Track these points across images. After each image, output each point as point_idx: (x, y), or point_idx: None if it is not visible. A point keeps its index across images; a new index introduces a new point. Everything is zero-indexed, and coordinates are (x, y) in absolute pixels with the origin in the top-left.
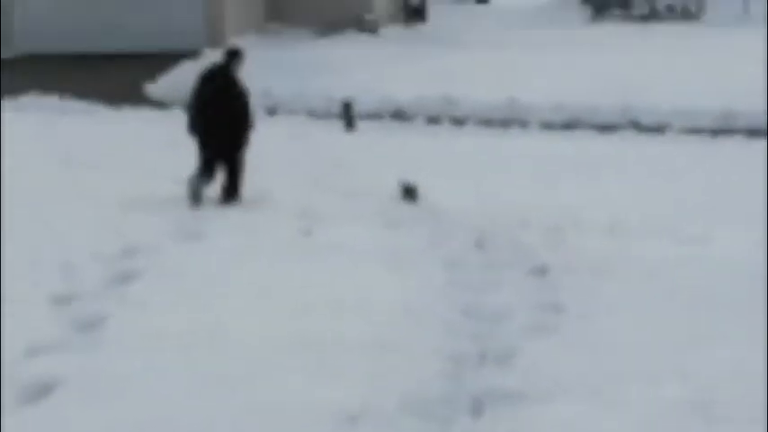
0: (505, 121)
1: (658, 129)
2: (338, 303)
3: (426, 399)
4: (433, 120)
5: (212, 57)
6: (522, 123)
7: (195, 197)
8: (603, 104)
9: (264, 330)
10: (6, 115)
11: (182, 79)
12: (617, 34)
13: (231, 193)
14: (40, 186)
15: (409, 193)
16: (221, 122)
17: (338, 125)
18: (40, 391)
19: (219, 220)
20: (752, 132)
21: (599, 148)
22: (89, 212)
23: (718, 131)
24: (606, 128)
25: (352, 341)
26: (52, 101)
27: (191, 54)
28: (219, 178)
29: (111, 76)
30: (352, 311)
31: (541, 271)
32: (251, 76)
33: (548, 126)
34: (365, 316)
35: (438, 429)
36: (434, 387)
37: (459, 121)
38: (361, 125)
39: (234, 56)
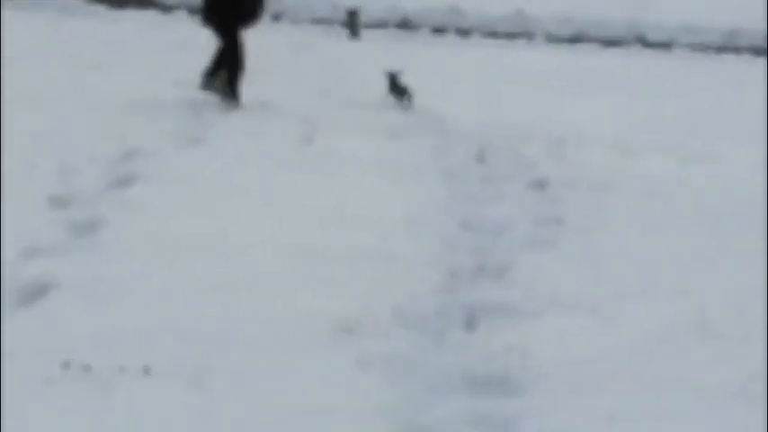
0: (511, 33)
1: (665, 45)
2: (338, 213)
3: (422, 311)
4: (439, 30)
5: None
6: (529, 36)
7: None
8: (610, 19)
9: (263, 238)
10: (6, 13)
11: None
12: None
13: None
14: (40, 87)
15: (396, 85)
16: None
17: (343, 34)
18: (37, 292)
19: (221, 126)
20: (757, 51)
21: (605, 63)
22: (89, 114)
23: (723, 48)
24: (612, 43)
25: (351, 252)
26: (54, 0)
27: None
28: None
29: None
30: (351, 222)
31: (542, 185)
32: None
33: (554, 39)
34: (364, 227)
35: (432, 342)
36: (430, 300)
37: (464, 33)
38: (366, 34)
39: None
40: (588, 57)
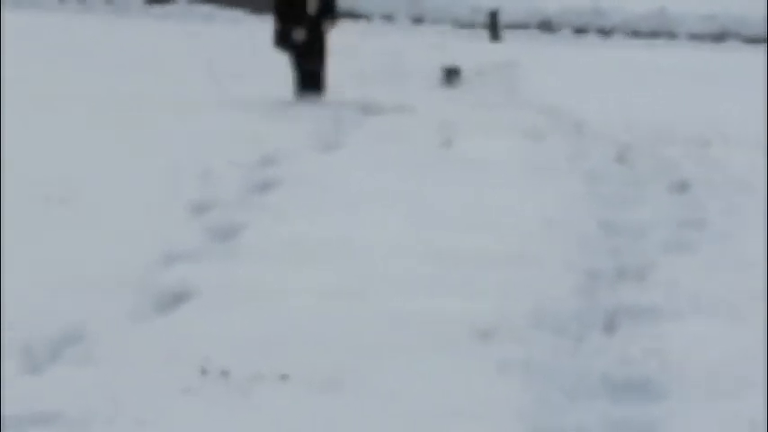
0: (654, 32)
1: None
2: (475, 216)
3: (560, 314)
4: (580, 31)
5: None
6: (671, 35)
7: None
8: (754, 16)
9: (401, 242)
10: (148, 21)
11: None
12: None
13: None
14: (183, 93)
15: (451, 75)
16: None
17: (483, 35)
18: (174, 299)
19: (360, 130)
20: None
21: (748, 60)
22: (230, 120)
23: None
24: (756, 40)
25: (488, 255)
26: (200, 9)
27: None
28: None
29: None
30: (489, 224)
31: (684, 186)
32: None
33: (696, 37)
34: (502, 229)
35: (570, 345)
36: (569, 302)
37: (606, 33)
38: (507, 35)
39: None
40: (731, 55)
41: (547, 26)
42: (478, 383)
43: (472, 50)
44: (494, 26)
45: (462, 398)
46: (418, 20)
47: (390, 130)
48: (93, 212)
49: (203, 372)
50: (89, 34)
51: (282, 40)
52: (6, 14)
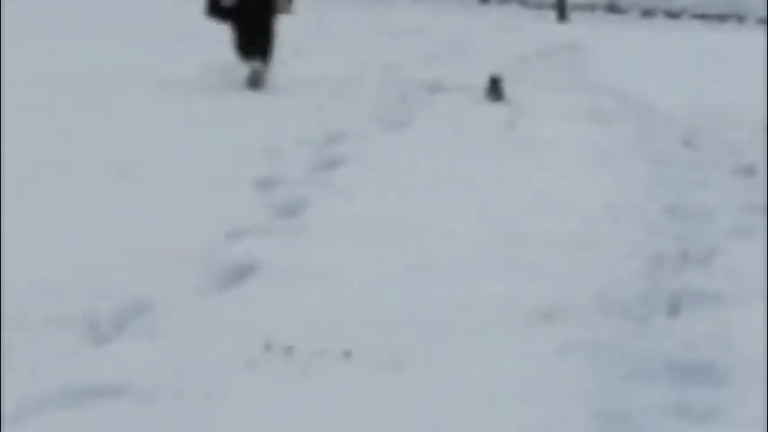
0: (722, 15)
1: None
2: (540, 199)
3: (623, 297)
4: (648, 13)
5: None
6: (739, 18)
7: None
8: None
9: (464, 223)
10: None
11: None
12: None
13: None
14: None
15: (495, 88)
16: None
17: (551, 16)
18: (239, 274)
19: (426, 110)
20: None
21: None
22: (295, 98)
23: None
24: None
25: (552, 238)
26: None
27: None
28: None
29: None
30: (553, 207)
31: (750, 171)
32: None
33: (766, 21)
34: (566, 212)
35: (634, 328)
36: (633, 286)
37: (674, 15)
38: (574, 16)
39: None
40: None
41: (614, 8)
42: (541, 366)
43: (539, 31)
44: (562, 7)
45: (525, 380)
46: (485, 0)
47: (457, 110)
48: (161, 187)
49: (267, 347)
50: None
51: (213, 8)
52: None
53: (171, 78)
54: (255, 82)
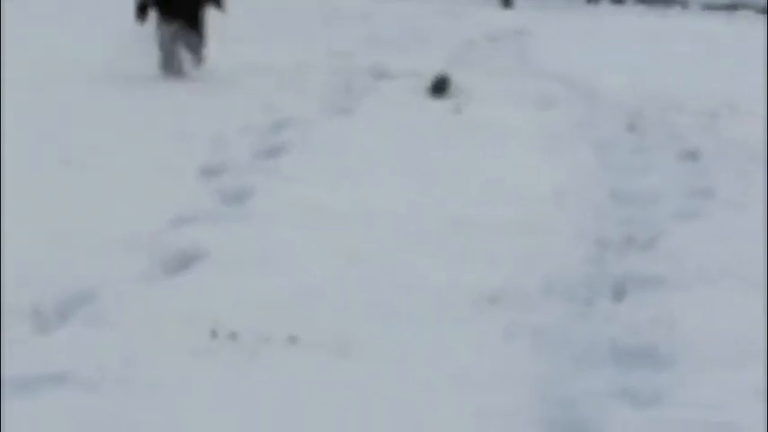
0: (667, 1)
1: None
2: (486, 183)
3: (569, 282)
4: None
5: None
6: (683, 3)
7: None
8: None
9: (410, 208)
10: None
11: None
12: None
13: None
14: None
15: (439, 86)
16: None
17: (494, 2)
18: (185, 261)
19: (371, 96)
20: None
21: (760, 31)
22: (241, 84)
23: None
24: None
25: (498, 223)
26: None
27: None
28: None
29: None
30: (499, 192)
31: (693, 156)
32: None
33: (709, 6)
34: (512, 197)
35: (579, 311)
36: (578, 270)
37: (618, 1)
38: (519, 2)
39: None
40: (744, 25)
41: None
42: (488, 350)
43: (485, 17)
44: None
45: (471, 364)
46: None
47: (402, 96)
48: (105, 175)
49: (213, 334)
50: None
51: (141, 12)
52: None
53: (111, 67)
54: (171, 65)
